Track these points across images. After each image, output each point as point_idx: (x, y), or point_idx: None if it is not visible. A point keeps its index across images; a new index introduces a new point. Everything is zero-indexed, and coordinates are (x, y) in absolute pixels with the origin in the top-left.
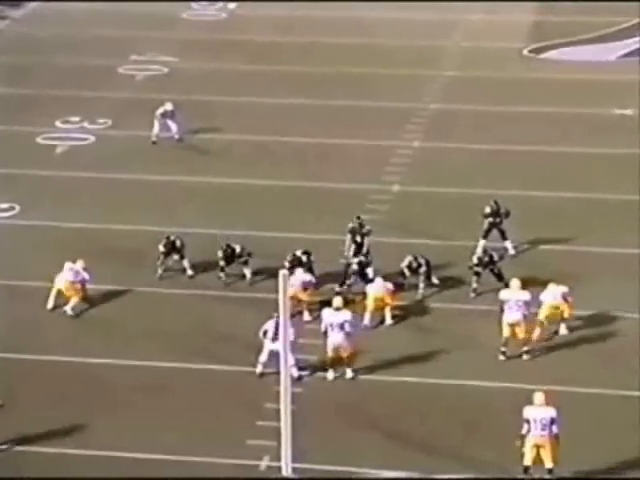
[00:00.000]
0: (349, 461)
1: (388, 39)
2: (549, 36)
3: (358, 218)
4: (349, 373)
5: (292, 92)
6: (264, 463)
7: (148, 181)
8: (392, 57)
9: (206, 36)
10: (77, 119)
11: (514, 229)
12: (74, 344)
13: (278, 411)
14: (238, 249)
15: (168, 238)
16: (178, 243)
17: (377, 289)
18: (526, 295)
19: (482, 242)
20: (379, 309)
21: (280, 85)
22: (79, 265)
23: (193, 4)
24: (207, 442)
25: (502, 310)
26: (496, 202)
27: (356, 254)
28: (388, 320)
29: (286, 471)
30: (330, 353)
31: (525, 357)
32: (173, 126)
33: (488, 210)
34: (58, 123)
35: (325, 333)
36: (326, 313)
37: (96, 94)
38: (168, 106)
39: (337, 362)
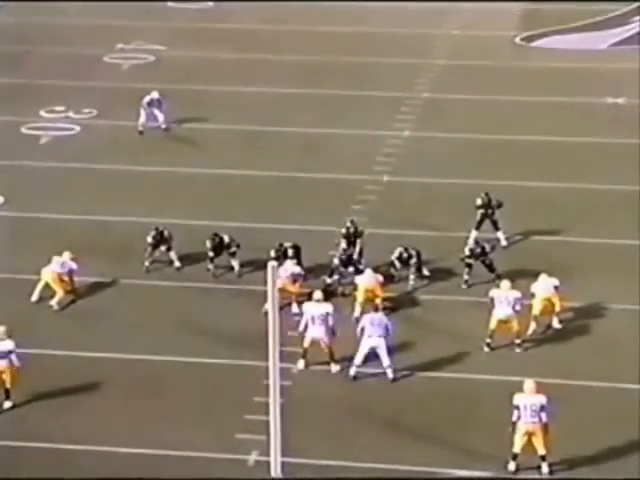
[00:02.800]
0: (339, 455)
1: (379, 27)
2: (541, 24)
3: (352, 222)
4: (334, 367)
5: (281, 81)
6: (253, 457)
7: (134, 172)
8: (383, 46)
9: (193, 25)
10: (62, 109)
11: (505, 220)
12: (61, 337)
13: (267, 405)
14: (227, 239)
15: (157, 229)
16: (166, 234)
17: (367, 280)
18: (517, 294)
19: (474, 233)
20: (369, 300)
21: (268, 74)
22: (66, 257)
23: None
24: (196, 436)
25: (493, 305)
26: (487, 194)
27: (348, 255)
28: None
29: (275, 466)
30: (306, 344)
31: (518, 350)
32: (160, 115)
33: (479, 202)
34: (43, 113)
35: (306, 326)
36: (308, 305)
37: (81, 83)
38: (154, 94)
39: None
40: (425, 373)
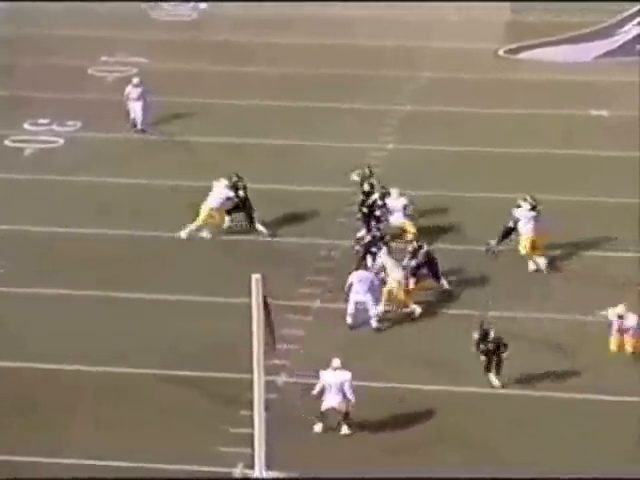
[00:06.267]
0: (324, 468)
1: (362, 40)
2: (525, 37)
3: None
4: (345, 429)
5: (264, 93)
6: (238, 470)
7: (118, 184)
8: (366, 58)
9: (175, 37)
10: (46, 121)
11: (485, 231)
12: (39, 349)
13: (252, 418)
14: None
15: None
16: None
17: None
18: None
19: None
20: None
21: (251, 86)
22: None
23: (164, 4)
24: (180, 449)
25: None
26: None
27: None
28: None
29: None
30: (323, 409)
31: None
32: (139, 110)
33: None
34: (27, 125)
35: (321, 392)
36: (324, 374)
37: (66, 96)
38: (135, 80)
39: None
40: (415, 385)
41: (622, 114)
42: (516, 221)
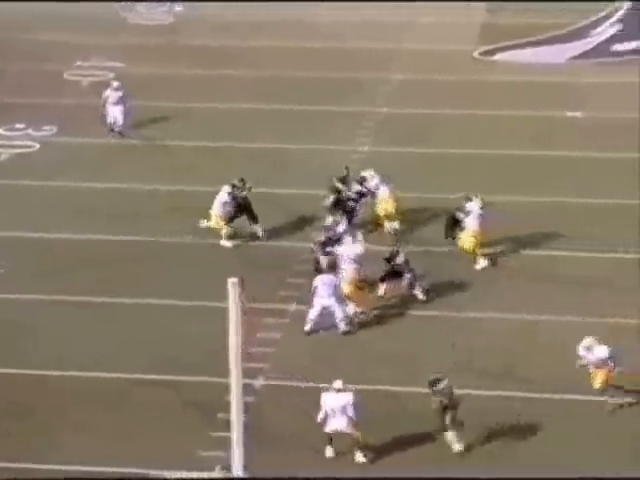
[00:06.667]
0: (304, 470)
1: (339, 43)
2: (500, 38)
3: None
4: (359, 457)
5: (240, 97)
6: (216, 474)
7: (94, 189)
8: (343, 61)
9: (151, 41)
10: (22, 126)
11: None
12: (26, 354)
13: (230, 421)
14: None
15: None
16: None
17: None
18: None
19: None
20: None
21: (228, 90)
22: None
23: (138, 5)
24: (158, 454)
25: None
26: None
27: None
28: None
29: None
30: (329, 431)
31: None
32: (119, 114)
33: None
34: (1, 130)
35: (325, 418)
36: (326, 397)
37: (41, 100)
38: (114, 84)
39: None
40: (396, 387)
41: (596, 115)
42: (467, 213)
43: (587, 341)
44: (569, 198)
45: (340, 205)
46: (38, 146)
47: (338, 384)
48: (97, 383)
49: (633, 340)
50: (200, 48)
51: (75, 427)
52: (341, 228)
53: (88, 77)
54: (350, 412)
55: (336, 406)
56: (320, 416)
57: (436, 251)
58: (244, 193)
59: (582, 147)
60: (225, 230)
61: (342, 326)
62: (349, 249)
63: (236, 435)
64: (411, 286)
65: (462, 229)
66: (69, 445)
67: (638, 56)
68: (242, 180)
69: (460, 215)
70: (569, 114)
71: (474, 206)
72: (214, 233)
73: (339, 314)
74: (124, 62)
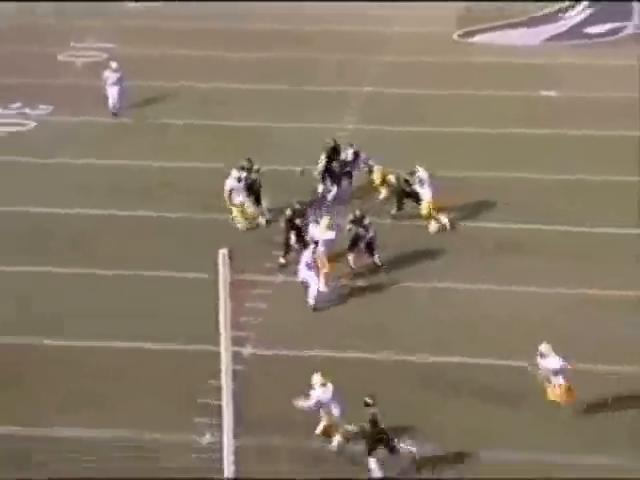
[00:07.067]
0: (292, 435)
1: (326, 26)
2: (478, 21)
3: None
4: (335, 441)
5: (232, 77)
6: (206, 439)
7: (91, 165)
8: (329, 44)
9: (143, 22)
10: (17, 105)
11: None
12: (21, 324)
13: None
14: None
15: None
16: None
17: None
18: None
19: None
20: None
21: (218, 70)
22: None
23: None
24: (151, 419)
25: None
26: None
27: None
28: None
29: (227, 446)
30: (325, 422)
31: None
32: (116, 95)
33: None
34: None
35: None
36: (317, 393)
37: (36, 81)
38: (113, 65)
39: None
40: (380, 356)
41: (570, 94)
42: (421, 183)
43: (544, 346)
44: (545, 175)
45: (329, 173)
46: (34, 124)
47: (317, 378)
48: (92, 353)
49: (599, 311)
50: (189, 30)
51: (70, 394)
52: (331, 196)
53: (82, 58)
54: (333, 404)
55: (324, 398)
56: (312, 405)
57: (406, 225)
58: (253, 175)
59: (557, 125)
60: (242, 212)
61: (310, 302)
62: (322, 234)
63: (226, 402)
64: (370, 248)
65: (419, 200)
66: (53, 411)
67: (610, 38)
68: (249, 160)
69: (415, 187)
70: (544, 93)
71: (423, 175)
72: (206, 207)
73: (311, 289)
74: (116, 43)
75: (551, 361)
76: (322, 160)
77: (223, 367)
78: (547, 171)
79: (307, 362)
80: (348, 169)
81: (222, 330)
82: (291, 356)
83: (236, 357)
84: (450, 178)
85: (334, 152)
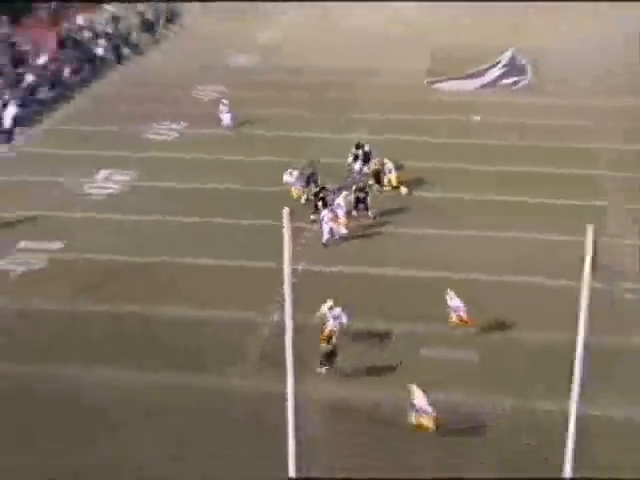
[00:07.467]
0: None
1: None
2: (439, 73)
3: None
4: (319, 369)
5: (293, 105)
6: (275, 317)
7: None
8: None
9: (246, 76)
10: (166, 122)
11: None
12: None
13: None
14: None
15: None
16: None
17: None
18: None
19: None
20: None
21: (289, 103)
22: None
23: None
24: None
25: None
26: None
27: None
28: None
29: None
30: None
31: None
32: (228, 119)
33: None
34: (155, 125)
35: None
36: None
37: (178, 110)
38: (224, 101)
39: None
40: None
41: (489, 119)
42: (389, 169)
43: (450, 292)
44: (470, 165)
45: (356, 160)
46: (177, 135)
47: (329, 304)
48: (134, 322)
49: (561, 253)
50: (279, 81)
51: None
52: (357, 175)
53: (206, 96)
54: (343, 318)
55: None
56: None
57: (387, 193)
58: (309, 170)
59: (481, 137)
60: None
61: (324, 240)
62: (339, 200)
63: (288, 301)
64: (366, 207)
65: (389, 179)
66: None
67: (514, 86)
68: (312, 161)
69: (385, 169)
70: (474, 118)
71: (390, 165)
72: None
73: (325, 233)
74: (227, 88)
75: (454, 301)
76: (353, 151)
77: (286, 278)
78: (473, 162)
79: (333, 275)
80: (369, 157)
81: (285, 255)
82: (323, 271)
83: (294, 272)
84: (408, 166)
85: (359, 147)
